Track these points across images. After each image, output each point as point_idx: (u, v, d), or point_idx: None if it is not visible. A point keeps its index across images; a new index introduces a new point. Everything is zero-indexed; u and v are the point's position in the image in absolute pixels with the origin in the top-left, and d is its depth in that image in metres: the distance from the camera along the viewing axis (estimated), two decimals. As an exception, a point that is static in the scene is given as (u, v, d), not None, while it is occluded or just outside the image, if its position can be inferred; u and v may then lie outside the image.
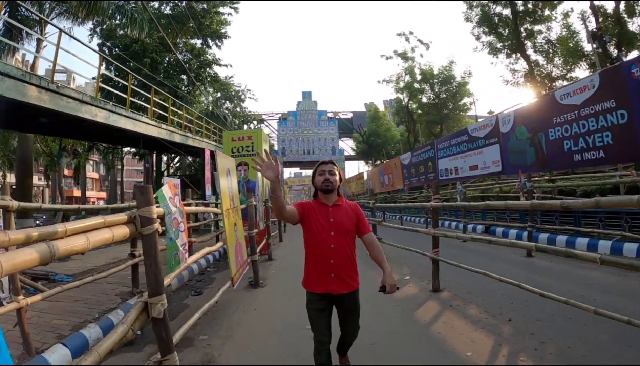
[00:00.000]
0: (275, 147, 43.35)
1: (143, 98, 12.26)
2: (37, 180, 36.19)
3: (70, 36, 10.78)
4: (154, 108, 10.82)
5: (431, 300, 4.62)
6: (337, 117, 45.19)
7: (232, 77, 27.54)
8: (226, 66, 20.62)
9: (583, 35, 12.93)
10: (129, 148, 22.30)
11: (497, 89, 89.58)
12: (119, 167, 30.67)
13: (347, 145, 47.24)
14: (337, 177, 2.21)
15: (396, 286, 2.10)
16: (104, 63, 17.43)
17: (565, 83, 14.10)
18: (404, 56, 23.60)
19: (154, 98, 10.72)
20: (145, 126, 10.10)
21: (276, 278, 6.28)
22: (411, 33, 23.14)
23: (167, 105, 11.93)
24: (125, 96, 9.94)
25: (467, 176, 12.38)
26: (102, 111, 8.10)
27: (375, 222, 7.96)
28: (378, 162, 30.82)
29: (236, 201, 4.67)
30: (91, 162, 47.14)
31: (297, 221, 2.15)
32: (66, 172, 32.78)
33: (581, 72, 14.50)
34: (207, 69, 20.10)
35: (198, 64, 19.48)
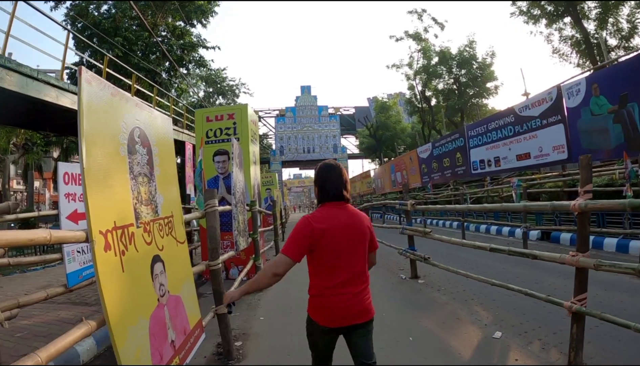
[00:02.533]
0: (273, 147, 40.69)
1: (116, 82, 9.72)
2: (16, 184, 33.45)
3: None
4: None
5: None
6: (338, 113, 42.63)
7: (225, 69, 24.96)
8: (214, 48, 17.90)
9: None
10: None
11: (529, 71, 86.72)
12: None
13: (350, 142, 44.65)
14: None
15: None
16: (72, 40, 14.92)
17: (622, 53, 11.54)
18: (416, 37, 20.91)
19: (106, 70, 8.08)
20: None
21: (267, 335, 3.65)
22: (424, 11, 20.54)
23: (130, 82, 9.26)
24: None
25: (513, 167, 9.78)
26: (13, 74, 5.51)
27: (417, 233, 5.37)
28: (386, 159, 28.09)
29: (170, 207, 2.09)
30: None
31: None
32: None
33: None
34: (192, 53, 17.50)
35: (181, 48, 16.94)
